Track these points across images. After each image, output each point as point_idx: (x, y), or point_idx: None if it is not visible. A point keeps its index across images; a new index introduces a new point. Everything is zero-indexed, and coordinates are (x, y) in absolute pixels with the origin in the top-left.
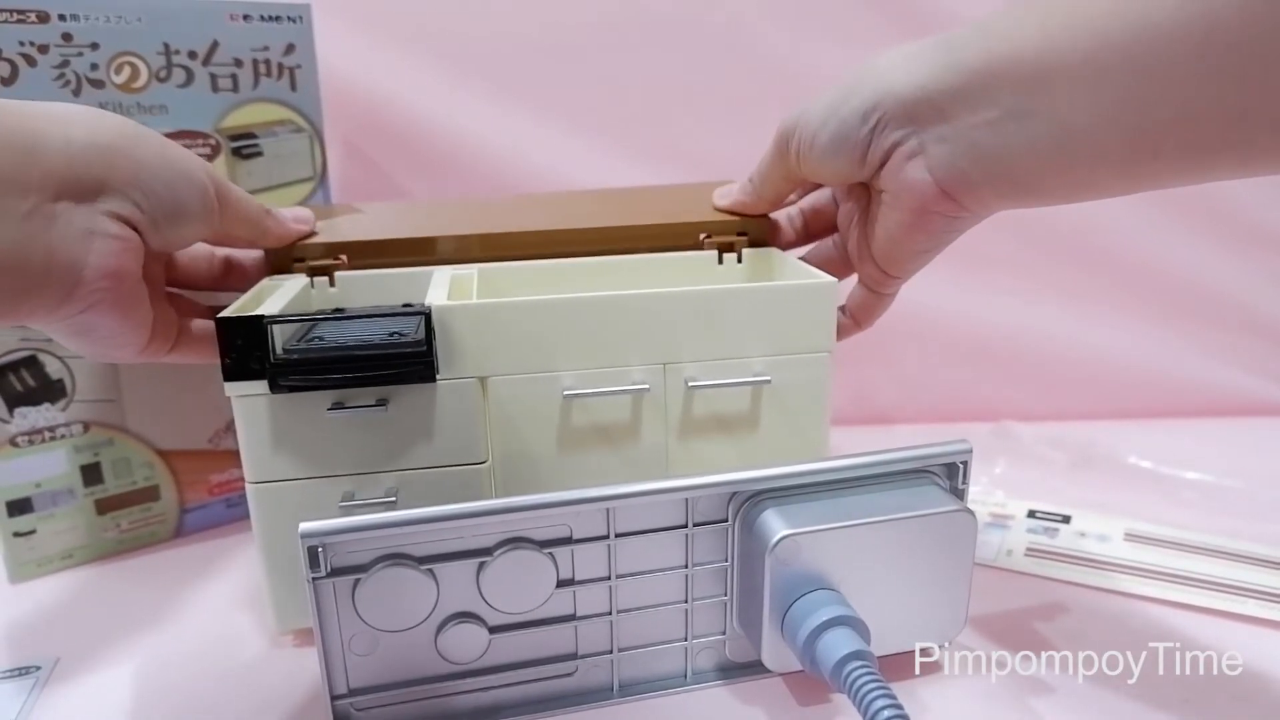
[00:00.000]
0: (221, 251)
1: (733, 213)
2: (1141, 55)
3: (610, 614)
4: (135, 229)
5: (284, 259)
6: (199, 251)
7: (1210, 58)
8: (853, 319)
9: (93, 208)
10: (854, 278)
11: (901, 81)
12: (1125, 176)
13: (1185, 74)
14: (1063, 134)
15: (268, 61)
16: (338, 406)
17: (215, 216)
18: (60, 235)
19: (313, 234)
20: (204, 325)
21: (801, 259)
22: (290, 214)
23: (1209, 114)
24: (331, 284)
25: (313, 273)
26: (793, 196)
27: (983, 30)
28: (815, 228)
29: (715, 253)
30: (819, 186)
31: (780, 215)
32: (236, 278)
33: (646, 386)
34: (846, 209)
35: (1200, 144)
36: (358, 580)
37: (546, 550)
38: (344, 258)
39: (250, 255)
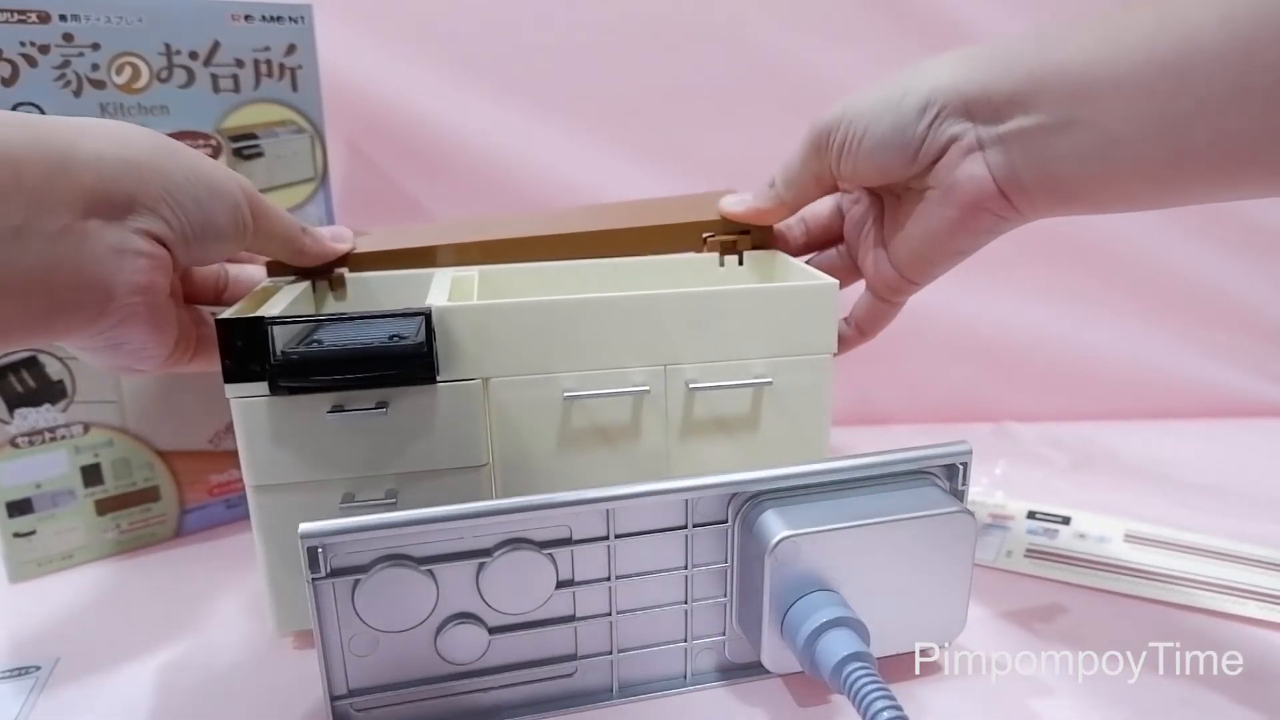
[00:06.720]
0: (231, 268)
1: (747, 220)
2: (1182, 75)
3: (610, 615)
4: (165, 245)
5: (285, 267)
6: (208, 267)
7: (1249, 81)
8: (858, 329)
9: (123, 225)
10: (854, 287)
11: (959, 78)
12: (1161, 191)
13: (1224, 95)
14: (1106, 146)
15: (269, 62)
16: (338, 409)
17: (247, 233)
18: (90, 254)
19: (353, 250)
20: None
21: None
22: (329, 232)
23: (1243, 134)
24: (332, 288)
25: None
26: None
27: (1033, 40)
28: (817, 239)
29: (716, 254)
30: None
31: (780, 225)
32: (241, 292)
33: (647, 388)
34: (857, 215)
35: (1233, 162)
36: (357, 581)
37: (546, 551)
38: (344, 271)
39: (255, 273)
